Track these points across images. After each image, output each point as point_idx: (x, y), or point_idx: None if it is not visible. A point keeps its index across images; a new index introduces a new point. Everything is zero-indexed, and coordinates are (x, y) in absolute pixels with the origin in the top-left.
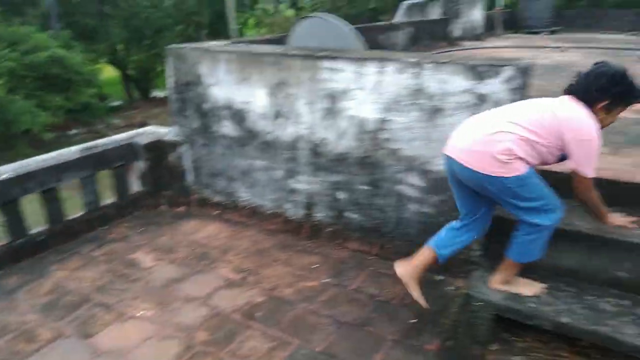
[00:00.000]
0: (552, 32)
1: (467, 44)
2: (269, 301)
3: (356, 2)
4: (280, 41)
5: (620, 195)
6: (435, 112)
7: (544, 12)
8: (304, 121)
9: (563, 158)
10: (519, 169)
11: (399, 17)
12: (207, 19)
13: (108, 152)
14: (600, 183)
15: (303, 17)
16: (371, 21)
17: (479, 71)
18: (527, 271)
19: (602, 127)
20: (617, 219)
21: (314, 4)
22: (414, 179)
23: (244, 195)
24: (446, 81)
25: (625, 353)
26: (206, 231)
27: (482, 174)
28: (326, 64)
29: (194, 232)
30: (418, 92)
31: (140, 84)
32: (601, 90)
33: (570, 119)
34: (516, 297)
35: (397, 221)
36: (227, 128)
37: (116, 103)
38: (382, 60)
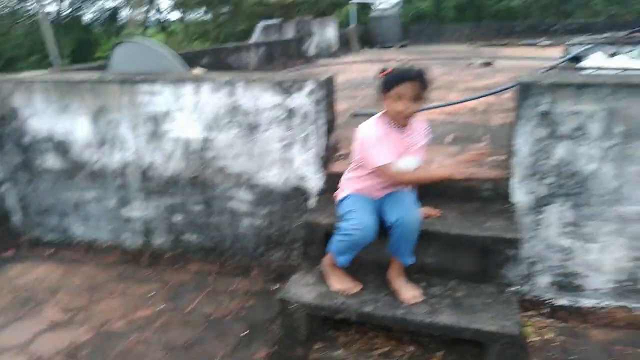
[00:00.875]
0: (402, 46)
1: (323, 61)
2: (96, 337)
3: (225, 25)
4: (103, 68)
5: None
6: (252, 127)
7: (394, 28)
8: (130, 146)
9: None
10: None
11: (256, 37)
12: (68, 47)
13: None
14: None
15: (120, 42)
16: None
17: (285, 86)
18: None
19: (396, 117)
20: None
21: (184, 28)
22: (244, 194)
23: (78, 230)
24: (258, 97)
25: (417, 330)
26: (35, 273)
27: None
28: (144, 87)
29: (20, 276)
30: (234, 109)
31: None
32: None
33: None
34: (326, 294)
35: (234, 237)
36: (52, 161)
37: None
38: (196, 81)
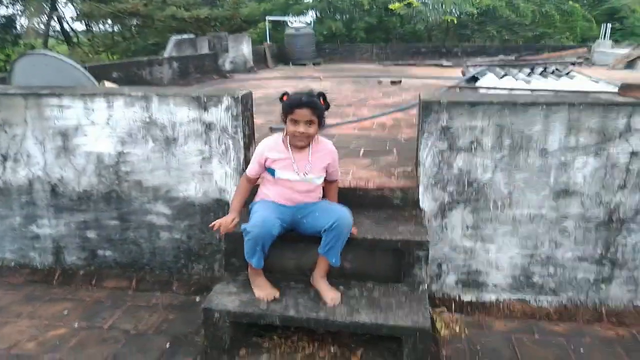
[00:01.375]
0: (316, 64)
1: (240, 76)
2: None
3: (134, 39)
4: (2, 80)
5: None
6: (169, 141)
7: (308, 46)
8: (37, 162)
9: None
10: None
11: (169, 52)
12: None
13: None
14: None
15: (23, 54)
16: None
17: (203, 101)
18: (269, 274)
19: (292, 138)
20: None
21: (90, 40)
22: (162, 208)
23: None
24: (174, 112)
25: (338, 330)
26: None
27: None
28: (52, 101)
29: None
30: (150, 124)
31: None
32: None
33: None
34: (249, 301)
35: (152, 251)
36: None
37: None
38: (108, 95)
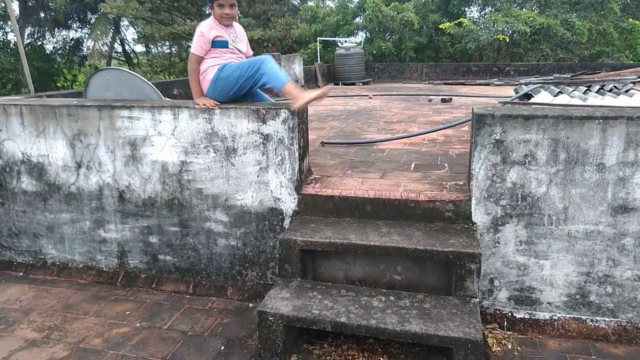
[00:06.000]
0: (365, 83)
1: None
2: (74, 354)
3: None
4: (79, 94)
5: (381, 210)
6: (229, 152)
7: (358, 66)
8: (107, 169)
9: None
10: None
11: None
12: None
13: None
14: (364, 201)
15: (98, 70)
16: None
17: (262, 114)
18: (320, 283)
19: (220, 17)
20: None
21: (150, 61)
22: (220, 215)
23: (52, 251)
24: (234, 124)
25: (388, 339)
26: (6, 295)
27: None
28: (123, 112)
29: None
30: (212, 135)
31: None
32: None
33: None
34: (302, 307)
35: (210, 257)
36: (26, 183)
37: None
38: (175, 107)
